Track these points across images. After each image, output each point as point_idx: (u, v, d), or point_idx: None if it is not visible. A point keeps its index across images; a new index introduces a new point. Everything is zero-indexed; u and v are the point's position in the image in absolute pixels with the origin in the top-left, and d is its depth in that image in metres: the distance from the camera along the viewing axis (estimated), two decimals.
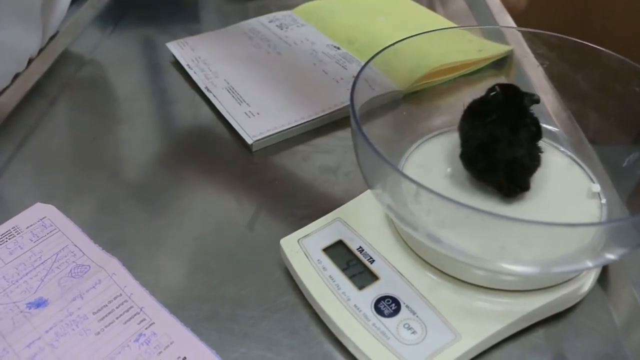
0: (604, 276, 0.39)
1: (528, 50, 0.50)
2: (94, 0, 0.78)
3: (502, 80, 0.58)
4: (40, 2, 0.63)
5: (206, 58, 0.62)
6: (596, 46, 0.40)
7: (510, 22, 0.72)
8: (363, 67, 0.39)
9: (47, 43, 0.67)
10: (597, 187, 0.39)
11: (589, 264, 0.33)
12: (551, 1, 1.56)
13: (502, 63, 0.58)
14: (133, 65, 0.66)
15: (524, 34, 0.48)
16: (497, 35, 0.61)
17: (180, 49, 0.64)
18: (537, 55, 0.47)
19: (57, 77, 0.63)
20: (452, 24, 0.69)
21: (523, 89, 0.54)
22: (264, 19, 0.70)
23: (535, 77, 0.55)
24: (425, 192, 0.30)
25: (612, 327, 0.37)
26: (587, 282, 0.36)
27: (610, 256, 0.33)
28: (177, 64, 0.64)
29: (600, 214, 0.37)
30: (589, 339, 0.36)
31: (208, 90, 0.58)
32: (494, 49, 0.58)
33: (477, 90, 0.55)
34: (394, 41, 0.41)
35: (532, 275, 0.34)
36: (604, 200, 0.38)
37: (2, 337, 0.35)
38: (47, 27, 0.65)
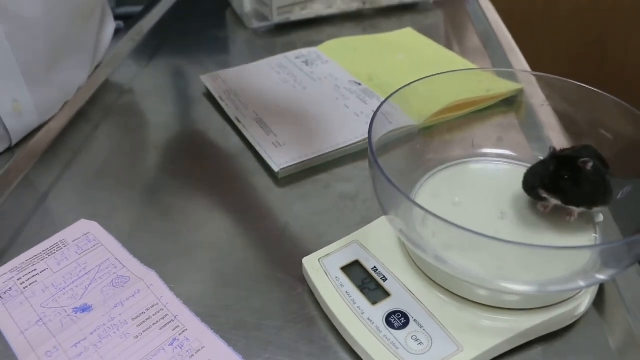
0: (600, 299, 0.42)
1: (538, 89, 0.53)
2: (133, 33, 0.84)
3: (512, 116, 0.62)
4: (94, 38, 0.68)
5: (237, 90, 0.67)
6: (594, 89, 0.44)
7: (522, 59, 0.76)
8: (381, 105, 0.43)
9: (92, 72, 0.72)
10: (600, 217, 0.43)
11: (582, 283, 0.37)
12: (569, 33, 1.59)
13: (511, 100, 0.62)
14: (168, 95, 0.72)
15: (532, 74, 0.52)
16: (509, 73, 0.64)
17: (213, 82, 0.69)
18: (544, 95, 0.51)
19: (100, 104, 0.68)
20: (466, 62, 0.73)
21: (531, 124, 0.58)
22: (290, 55, 0.75)
23: (543, 114, 0.58)
24: (431, 217, 0.34)
25: (607, 348, 0.39)
26: (583, 303, 0.39)
27: (601, 277, 0.36)
28: (208, 95, 0.69)
29: (595, 238, 0.41)
30: (585, 358, 0.39)
31: (238, 120, 0.62)
32: (503, 88, 0.62)
33: (487, 126, 0.60)
34: (412, 79, 0.45)
35: (527, 293, 0.38)
36: (599, 229, 0.42)
37: (52, 336, 0.40)
38: (95, 58, 0.71)
